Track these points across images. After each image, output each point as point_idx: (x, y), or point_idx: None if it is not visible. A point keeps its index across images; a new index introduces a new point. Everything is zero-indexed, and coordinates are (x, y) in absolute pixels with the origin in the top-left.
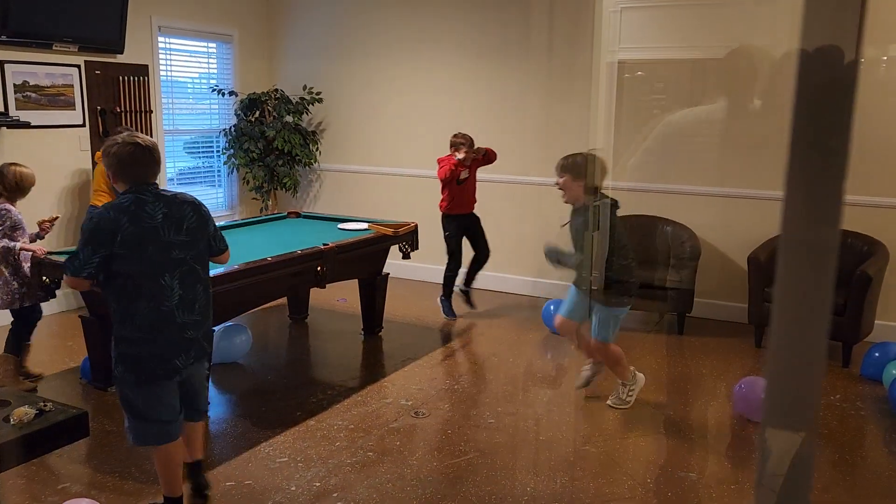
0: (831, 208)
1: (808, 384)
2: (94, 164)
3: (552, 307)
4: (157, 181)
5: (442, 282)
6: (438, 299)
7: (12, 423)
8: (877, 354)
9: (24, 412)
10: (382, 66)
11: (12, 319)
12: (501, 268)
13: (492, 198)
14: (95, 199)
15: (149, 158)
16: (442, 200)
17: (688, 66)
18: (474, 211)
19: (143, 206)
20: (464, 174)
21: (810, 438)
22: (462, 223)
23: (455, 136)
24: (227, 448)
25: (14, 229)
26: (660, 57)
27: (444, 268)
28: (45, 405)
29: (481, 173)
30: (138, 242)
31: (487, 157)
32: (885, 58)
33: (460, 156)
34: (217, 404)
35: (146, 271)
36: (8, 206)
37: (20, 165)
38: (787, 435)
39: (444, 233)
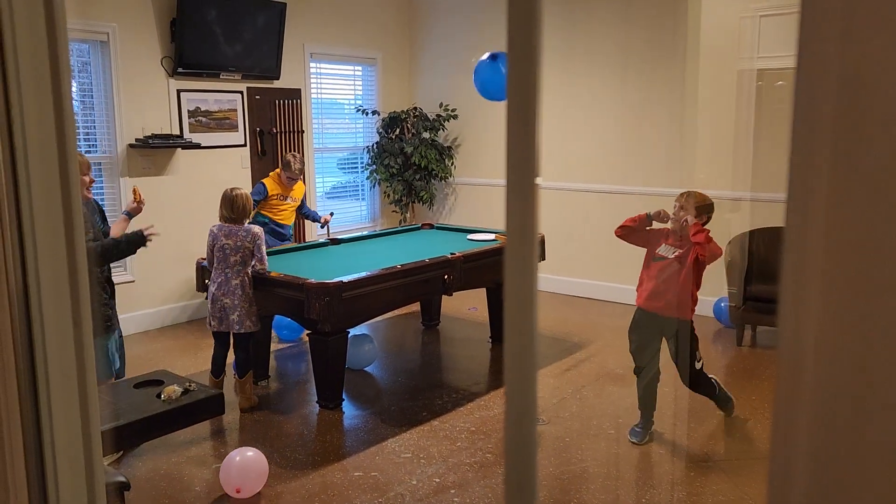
0: None
1: None
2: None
3: (722, 304)
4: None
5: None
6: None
7: (163, 398)
8: None
9: (172, 390)
10: None
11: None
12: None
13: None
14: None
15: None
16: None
17: None
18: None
19: None
20: (663, 249)
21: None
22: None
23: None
24: (357, 442)
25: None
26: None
27: (572, 279)
28: (190, 385)
29: (605, 184)
30: None
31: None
32: None
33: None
34: (350, 402)
35: None
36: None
37: (238, 189)
38: None
39: None
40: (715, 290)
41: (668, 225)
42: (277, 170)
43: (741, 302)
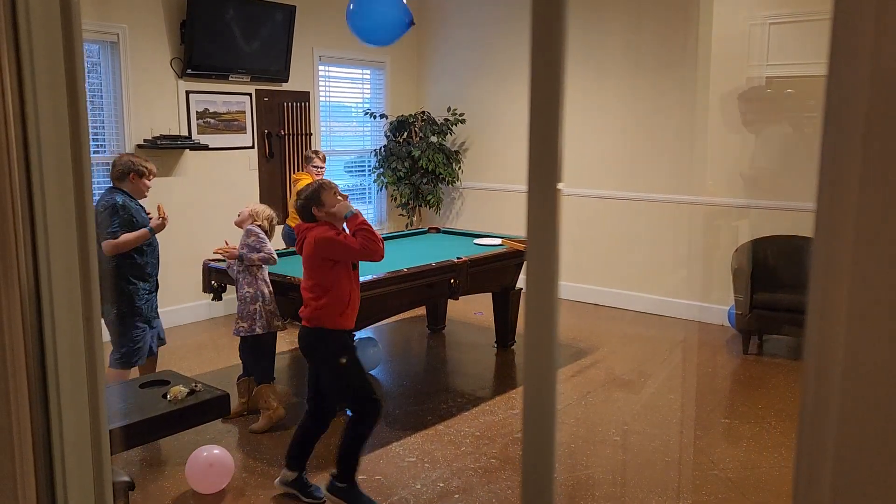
0: None
1: None
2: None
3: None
4: None
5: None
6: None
7: (168, 398)
8: None
9: (178, 390)
10: (521, 86)
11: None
12: (638, 286)
13: (620, 214)
14: (290, 220)
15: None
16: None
17: None
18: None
19: None
20: None
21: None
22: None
23: None
24: None
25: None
26: (811, 73)
27: (579, 285)
28: (196, 386)
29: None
30: None
31: None
32: None
33: None
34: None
35: None
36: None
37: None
38: None
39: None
40: (726, 297)
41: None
42: (302, 173)
43: (748, 310)
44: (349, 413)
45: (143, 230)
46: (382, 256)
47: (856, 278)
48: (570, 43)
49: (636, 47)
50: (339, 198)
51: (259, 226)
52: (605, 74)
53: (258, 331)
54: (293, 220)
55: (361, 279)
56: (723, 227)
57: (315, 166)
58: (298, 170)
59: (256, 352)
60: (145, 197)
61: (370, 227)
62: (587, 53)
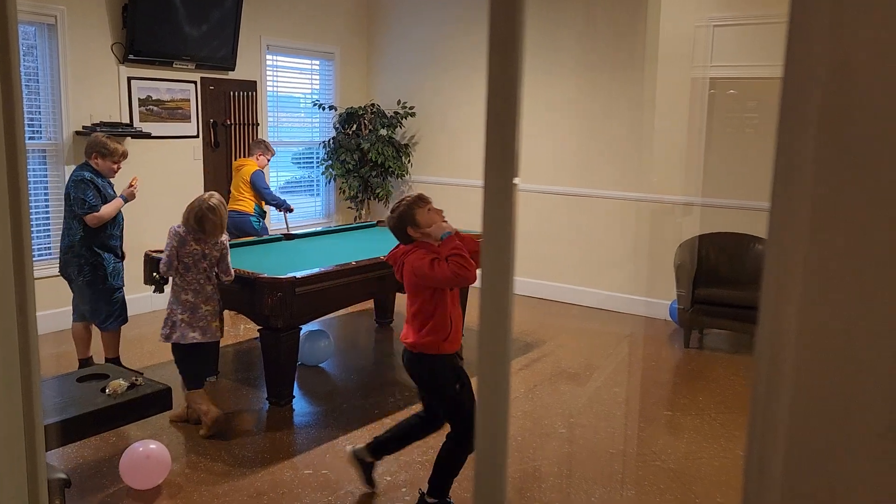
0: None
1: None
2: (232, 172)
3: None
4: None
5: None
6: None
7: (108, 393)
8: None
9: (118, 384)
10: (471, 81)
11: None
12: (586, 282)
13: (571, 211)
14: (237, 206)
15: None
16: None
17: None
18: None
19: None
20: None
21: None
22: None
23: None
24: (308, 439)
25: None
26: (753, 75)
27: (527, 280)
28: (136, 379)
29: (554, 185)
30: None
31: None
32: None
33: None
34: (301, 400)
35: None
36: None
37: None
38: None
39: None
40: (668, 292)
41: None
42: (247, 159)
43: (689, 305)
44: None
45: (117, 199)
46: (475, 280)
47: (808, 272)
48: (548, 47)
49: (590, 47)
50: (432, 214)
51: (178, 225)
52: (558, 73)
53: (198, 338)
54: (235, 205)
55: (309, 272)
56: (668, 224)
57: (265, 156)
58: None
59: (191, 358)
60: (112, 177)
61: (463, 251)
62: (542, 52)
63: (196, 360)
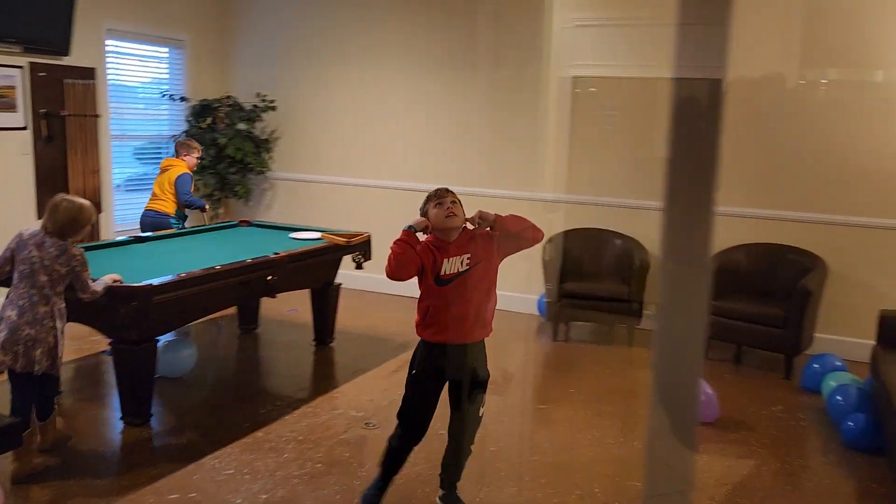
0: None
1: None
2: (159, 171)
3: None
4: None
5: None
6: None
7: None
8: (816, 366)
9: None
10: (335, 75)
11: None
12: None
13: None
14: (157, 205)
15: None
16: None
17: (639, 85)
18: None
19: None
20: (449, 264)
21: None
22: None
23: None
24: (171, 460)
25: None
26: (612, 74)
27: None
28: None
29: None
30: None
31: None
32: (825, 80)
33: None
34: (161, 416)
35: None
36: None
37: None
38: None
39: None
40: (538, 287)
41: (442, 230)
42: (175, 159)
43: (556, 299)
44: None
45: None
46: (389, 276)
47: None
48: (416, 43)
49: (451, 46)
50: (434, 208)
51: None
52: (423, 71)
53: (9, 365)
54: (155, 204)
55: (168, 278)
56: (537, 221)
57: (191, 155)
58: (79, 155)
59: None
60: None
61: (394, 244)
62: (411, 51)
63: (17, 390)
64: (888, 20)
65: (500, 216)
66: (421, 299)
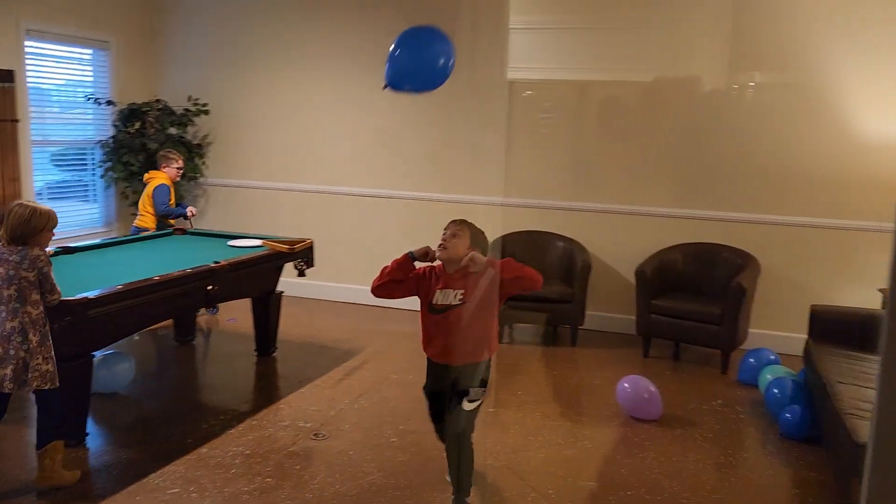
0: None
1: None
2: (144, 184)
3: None
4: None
5: None
6: None
7: None
8: (752, 360)
9: None
10: (270, 77)
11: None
12: None
13: (385, 214)
14: (139, 221)
15: None
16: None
17: (573, 88)
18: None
19: None
20: (441, 295)
21: None
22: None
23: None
24: (112, 481)
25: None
26: (547, 77)
27: (340, 285)
28: None
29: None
30: None
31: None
32: (753, 83)
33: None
34: (97, 435)
35: None
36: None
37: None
38: None
39: None
40: None
41: (438, 260)
42: (157, 171)
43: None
44: None
45: None
46: (371, 292)
47: None
48: (351, 44)
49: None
50: (445, 238)
51: None
52: (358, 73)
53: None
54: (137, 220)
55: (104, 291)
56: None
57: (171, 167)
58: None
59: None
60: None
61: (388, 265)
62: (347, 53)
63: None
64: (815, 24)
65: (494, 261)
66: (421, 319)
